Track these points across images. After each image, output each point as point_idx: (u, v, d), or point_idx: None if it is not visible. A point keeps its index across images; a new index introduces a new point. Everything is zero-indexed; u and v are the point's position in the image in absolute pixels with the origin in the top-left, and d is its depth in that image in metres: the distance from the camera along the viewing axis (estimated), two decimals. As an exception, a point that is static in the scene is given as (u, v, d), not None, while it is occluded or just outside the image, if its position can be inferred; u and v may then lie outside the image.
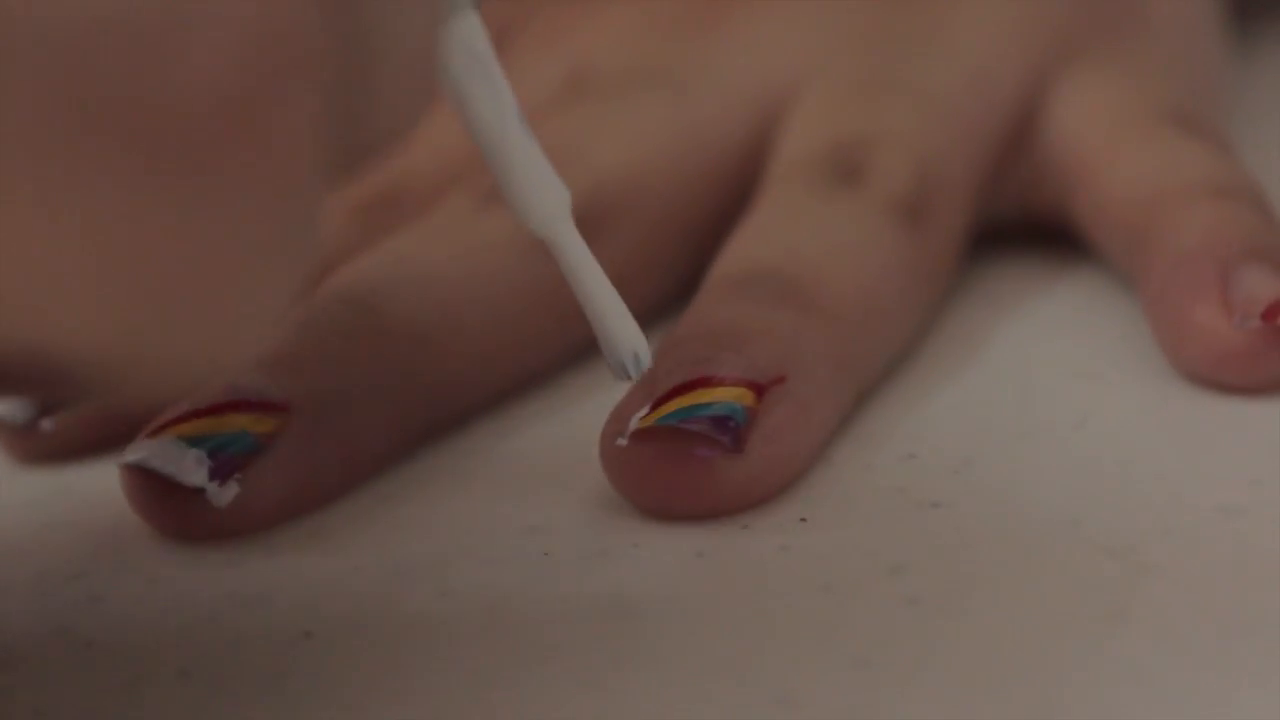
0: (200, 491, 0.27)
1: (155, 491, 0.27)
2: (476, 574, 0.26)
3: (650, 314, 0.31)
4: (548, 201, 0.26)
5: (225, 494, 0.27)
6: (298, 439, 0.27)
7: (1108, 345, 0.31)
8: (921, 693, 0.23)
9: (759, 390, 0.27)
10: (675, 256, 0.33)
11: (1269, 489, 0.27)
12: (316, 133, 0.18)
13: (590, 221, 0.28)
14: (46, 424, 0.30)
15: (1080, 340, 0.32)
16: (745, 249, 0.31)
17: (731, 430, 0.27)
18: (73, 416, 0.30)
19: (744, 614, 0.25)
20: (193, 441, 0.27)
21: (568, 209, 0.26)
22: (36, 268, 0.17)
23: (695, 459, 0.26)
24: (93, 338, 0.18)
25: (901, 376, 0.31)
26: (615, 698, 0.23)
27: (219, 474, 0.27)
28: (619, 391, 0.28)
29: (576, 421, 0.28)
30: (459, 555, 0.27)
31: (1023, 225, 0.35)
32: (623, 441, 0.27)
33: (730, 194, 0.34)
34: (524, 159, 0.25)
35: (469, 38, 0.25)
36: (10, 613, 0.26)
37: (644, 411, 0.27)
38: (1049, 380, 0.31)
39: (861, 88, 0.34)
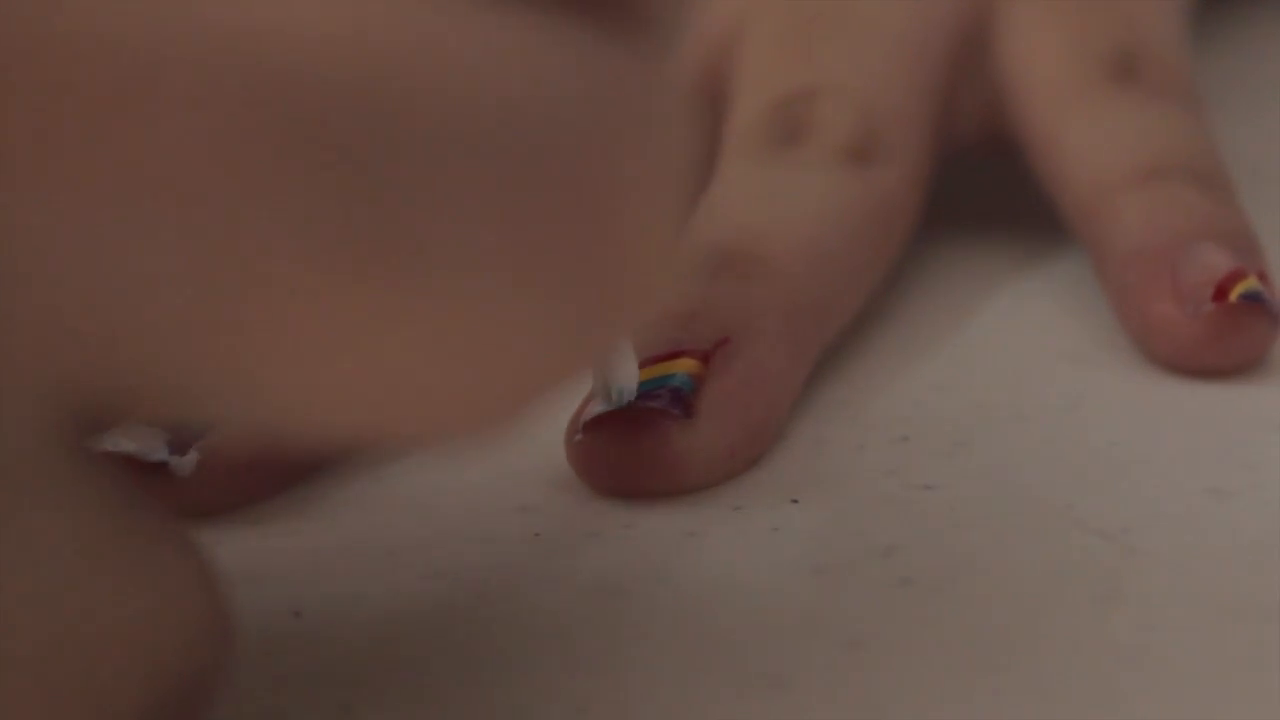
0: (164, 466, 0.27)
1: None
2: (467, 554, 0.26)
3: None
4: None
5: (187, 464, 0.27)
6: None
7: (1100, 329, 0.31)
8: (913, 674, 0.23)
9: (705, 357, 0.27)
10: None
11: (1260, 472, 0.27)
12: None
13: None
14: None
15: (1072, 324, 0.32)
16: (692, 234, 0.31)
17: (682, 400, 0.27)
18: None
19: (735, 595, 0.25)
20: (151, 421, 0.27)
21: None
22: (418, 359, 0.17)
23: (648, 434, 0.27)
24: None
25: (894, 359, 0.31)
26: (606, 679, 0.23)
27: (178, 447, 0.27)
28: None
29: (569, 402, 0.28)
30: (449, 535, 0.27)
31: (990, 147, 0.35)
32: (579, 437, 0.27)
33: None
34: None
35: None
36: None
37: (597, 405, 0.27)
38: (1041, 363, 0.31)
39: (799, 28, 0.34)
